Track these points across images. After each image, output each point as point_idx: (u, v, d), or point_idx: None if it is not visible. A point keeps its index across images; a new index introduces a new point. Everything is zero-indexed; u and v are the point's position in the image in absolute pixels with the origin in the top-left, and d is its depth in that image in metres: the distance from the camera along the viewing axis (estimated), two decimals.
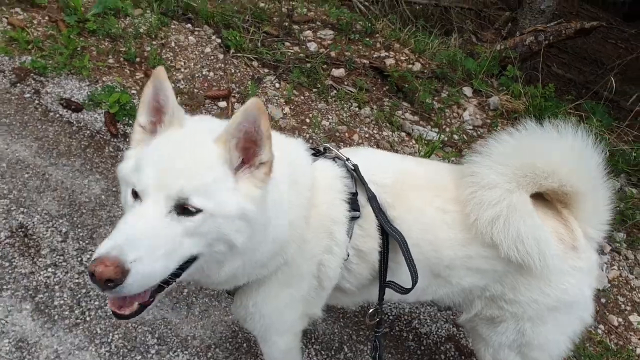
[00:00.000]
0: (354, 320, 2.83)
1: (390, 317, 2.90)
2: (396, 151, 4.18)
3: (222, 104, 4.11)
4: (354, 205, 1.84)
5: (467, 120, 4.82)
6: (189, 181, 1.39)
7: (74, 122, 3.52)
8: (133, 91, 3.89)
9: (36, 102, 3.56)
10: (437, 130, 4.53)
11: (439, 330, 2.92)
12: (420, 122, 4.60)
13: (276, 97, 4.29)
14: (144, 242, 1.33)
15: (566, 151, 1.87)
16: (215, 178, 1.44)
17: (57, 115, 3.52)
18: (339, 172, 1.88)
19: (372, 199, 1.83)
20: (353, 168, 1.88)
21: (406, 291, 1.87)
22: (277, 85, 4.45)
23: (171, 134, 1.51)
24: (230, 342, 2.61)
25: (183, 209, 1.39)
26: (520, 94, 5.16)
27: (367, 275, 1.94)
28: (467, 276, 1.95)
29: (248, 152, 1.49)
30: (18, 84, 3.64)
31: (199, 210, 1.40)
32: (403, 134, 4.38)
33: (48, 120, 3.46)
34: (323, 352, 2.65)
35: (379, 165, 1.99)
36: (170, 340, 2.53)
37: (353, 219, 1.83)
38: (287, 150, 1.79)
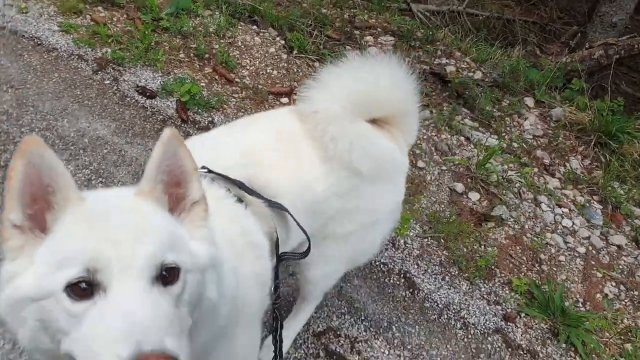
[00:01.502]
0: (403, 304, 2.85)
1: (440, 305, 2.90)
2: (454, 154, 4.19)
3: (284, 100, 4.27)
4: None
5: (527, 130, 4.74)
6: (154, 240, 1.09)
7: (148, 108, 3.77)
8: (202, 84, 4.12)
9: (114, 88, 3.85)
10: (496, 136, 4.48)
11: (487, 323, 2.94)
12: (479, 128, 4.57)
13: None
14: (161, 323, 1.00)
15: (395, 81, 2.06)
16: (171, 229, 1.17)
17: (133, 100, 3.79)
18: (205, 183, 1.58)
19: (241, 185, 1.70)
20: (207, 171, 1.66)
21: (302, 256, 1.87)
22: None
23: (83, 210, 1.11)
24: None
25: (161, 278, 1.08)
26: (585, 107, 5.01)
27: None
28: (336, 202, 2.00)
29: (171, 198, 1.22)
30: (99, 72, 3.95)
31: (175, 272, 1.10)
32: (462, 138, 4.37)
33: (125, 104, 3.73)
34: (372, 329, 2.68)
35: (225, 149, 1.87)
36: None
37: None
38: None
